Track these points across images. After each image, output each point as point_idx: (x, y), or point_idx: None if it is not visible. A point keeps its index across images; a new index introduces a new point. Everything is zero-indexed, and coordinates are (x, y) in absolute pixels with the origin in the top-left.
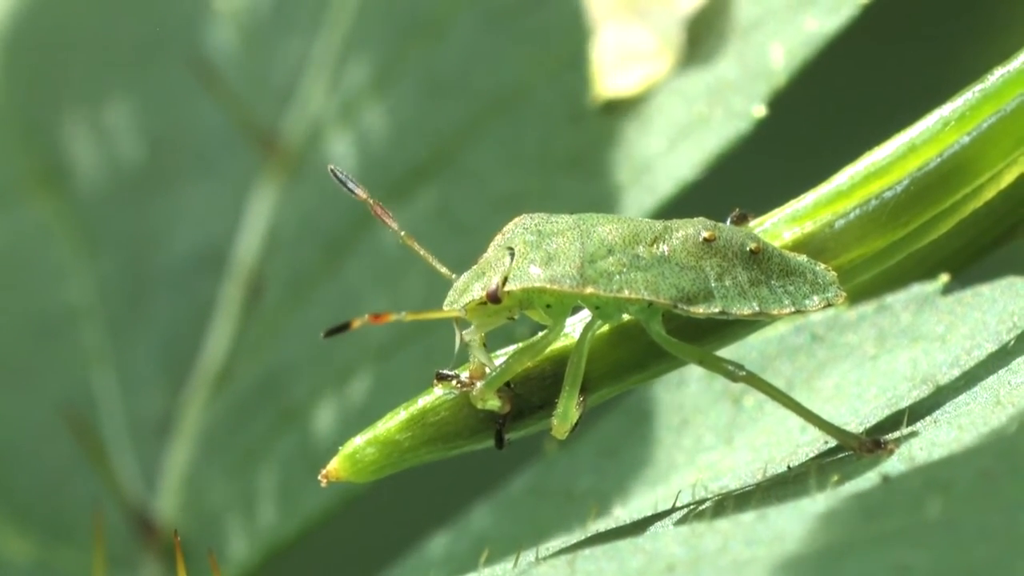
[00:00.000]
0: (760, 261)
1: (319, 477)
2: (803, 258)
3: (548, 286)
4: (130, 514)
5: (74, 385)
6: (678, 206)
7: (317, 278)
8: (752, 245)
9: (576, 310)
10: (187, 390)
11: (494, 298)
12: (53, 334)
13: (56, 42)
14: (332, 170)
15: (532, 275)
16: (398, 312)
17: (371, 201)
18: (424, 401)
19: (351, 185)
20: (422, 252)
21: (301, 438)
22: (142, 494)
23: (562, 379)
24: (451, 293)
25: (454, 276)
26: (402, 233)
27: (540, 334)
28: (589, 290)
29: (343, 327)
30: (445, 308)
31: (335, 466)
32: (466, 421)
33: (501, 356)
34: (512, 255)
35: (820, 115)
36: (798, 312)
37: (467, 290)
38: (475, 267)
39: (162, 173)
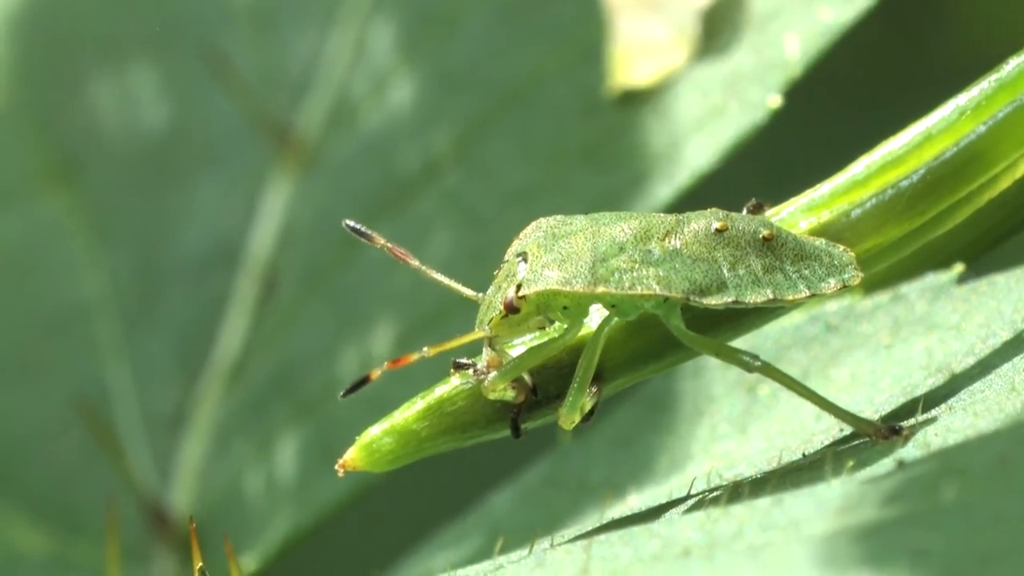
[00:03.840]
0: (774, 247)
1: (336, 467)
2: (820, 241)
3: (561, 288)
4: (144, 507)
5: (88, 379)
6: (694, 197)
7: (331, 271)
8: (765, 232)
9: None
10: (201, 383)
11: (512, 308)
12: (67, 328)
13: (69, 36)
14: (346, 224)
15: (545, 278)
16: (419, 350)
17: (388, 246)
18: (441, 391)
19: (366, 233)
20: (445, 280)
21: (315, 430)
22: (156, 487)
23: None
24: (479, 314)
25: (480, 295)
26: (423, 267)
27: (555, 325)
28: (601, 289)
29: (363, 382)
30: (476, 329)
31: (352, 456)
32: (483, 410)
33: (518, 347)
34: (525, 260)
35: (836, 105)
36: (814, 296)
37: (491, 307)
38: (494, 283)
39: (176, 167)
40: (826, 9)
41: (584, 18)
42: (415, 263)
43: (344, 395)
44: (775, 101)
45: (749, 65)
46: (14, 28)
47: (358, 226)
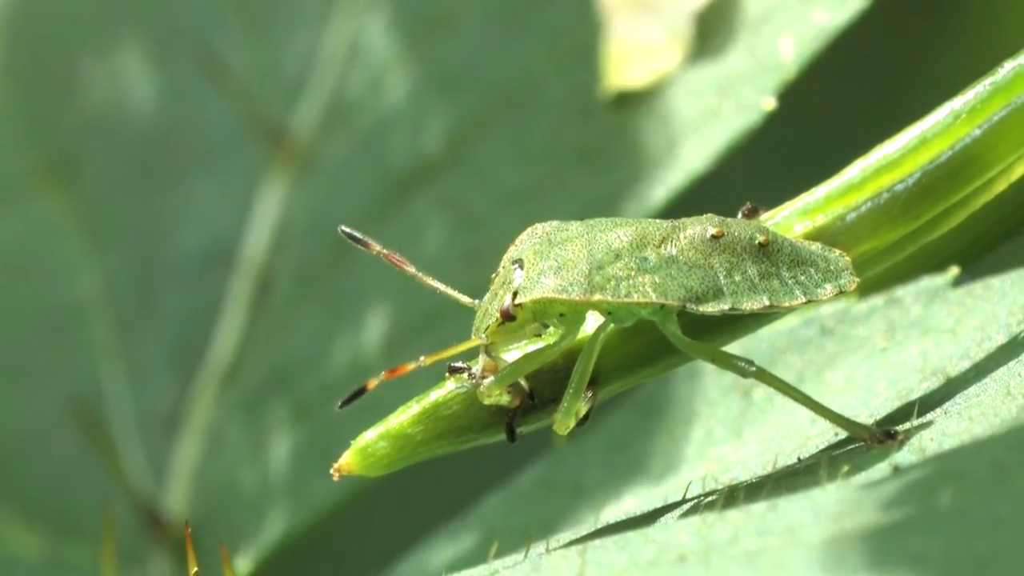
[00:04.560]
0: (770, 253)
1: (331, 471)
2: (816, 246)
3: (557, 296)
4: (139, 509)
5: (83, 380)
6: (689, 199)
7: (326, 273)
8: (761, 238)
9: None
10: (196, 385)
11: (508, 315)
12: (62, 329)
13: (63, 36)
14: (342, 230)
15: (541, 286)
16: (416, 359)
17: (384, 252)
18: (436, 395)
19: (362, 239)
20: (441, 287)
21: (310, 433)
22: (151, 489)
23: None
24: (475, 322)
25: (476, 302)
26: (420, 274)
27: (551, 330)
28: (597, 297)
29: (359, 392)
30: (473, 337)
31: (347, 460)
32: (478, 414)
33: (514, 351)
34: (521, 267)
35: (831, 108)
36: (810, 302)
37: (487, 314)
38: (490, 290)
39: (170, 168)
40: (820, 11)
41: (579, 20)
42: (411, 270)
43: (341, 406)
44: (769, 103)
45: (743, 67)
46: (8, 27)
47: (354, 232)
